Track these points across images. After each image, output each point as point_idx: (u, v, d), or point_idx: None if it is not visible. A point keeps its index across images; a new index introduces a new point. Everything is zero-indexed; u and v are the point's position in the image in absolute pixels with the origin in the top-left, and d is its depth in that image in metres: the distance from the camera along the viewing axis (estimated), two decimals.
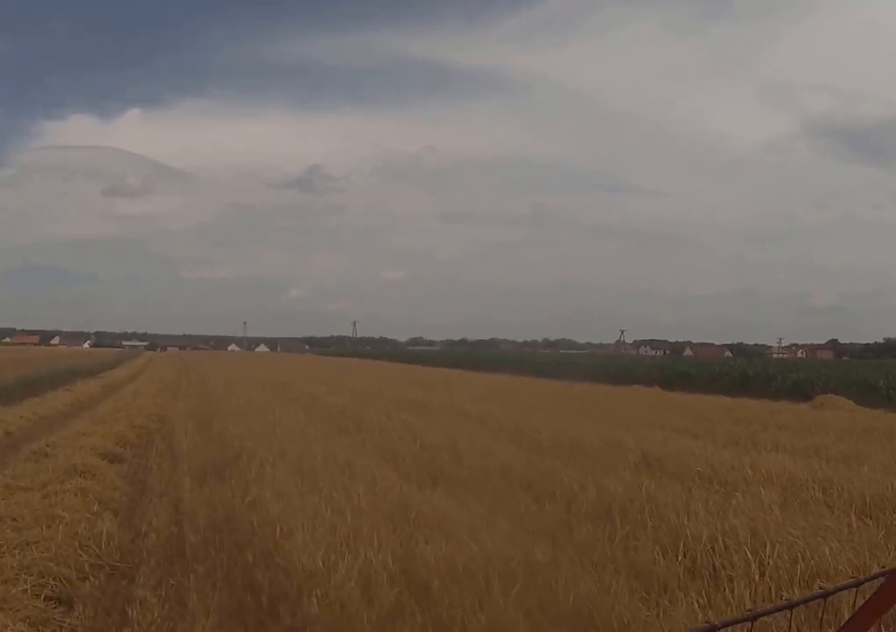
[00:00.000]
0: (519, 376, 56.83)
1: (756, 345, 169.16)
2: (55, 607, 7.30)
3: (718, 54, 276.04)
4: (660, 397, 34.26)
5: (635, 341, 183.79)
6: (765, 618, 2.33)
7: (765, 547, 7.81)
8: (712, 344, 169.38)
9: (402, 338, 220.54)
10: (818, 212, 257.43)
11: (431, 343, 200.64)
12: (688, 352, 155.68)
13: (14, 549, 8.36)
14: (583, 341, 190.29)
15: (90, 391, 34.90)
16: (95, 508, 10.46)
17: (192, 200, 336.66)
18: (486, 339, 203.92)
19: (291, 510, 8.46)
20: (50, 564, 7.98)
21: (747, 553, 7.71)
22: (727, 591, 6.95)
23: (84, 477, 12.91)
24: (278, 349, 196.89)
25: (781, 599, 6.32)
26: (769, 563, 7.48)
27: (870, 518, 9.49)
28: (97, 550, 8.87)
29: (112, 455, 16.89)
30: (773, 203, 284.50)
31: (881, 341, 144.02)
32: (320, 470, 11.62)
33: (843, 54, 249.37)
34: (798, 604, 2.28)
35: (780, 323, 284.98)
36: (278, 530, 7.71)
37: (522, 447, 15.09)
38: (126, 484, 13.77)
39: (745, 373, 47.04)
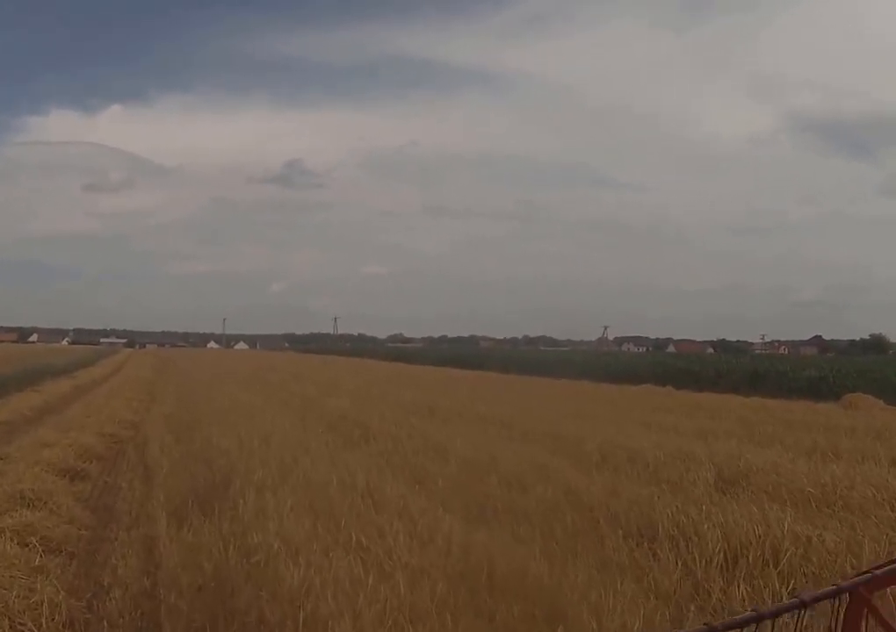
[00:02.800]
0: (513, 374, 54.35)
1: (738, 341, 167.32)
2: None
3: (704, 49, 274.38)
4: (680, 397, 31.78)
5: (616, 337, 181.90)
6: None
7: None
8: (694, 341, 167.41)
9: (381, 335, 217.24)
10: (802, 207, 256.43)
11: (411, 340, 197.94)
12: (671, 348, 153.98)
13: None
14: (563, 338, 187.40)
15: (60, 392, 32.24)
16: (37, 560, 7.72)
17: (174, 196, 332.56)
18: (465, 336, 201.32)
19: (316, 575, 5.77)
20: None
21: None
22: None
23: (33, 507, 10.19)
24: (258, 347, 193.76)
25: None
26: None
27: None
28: None
29: (73, 471, 14.22)
30: (758, 198, 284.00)
31: (867, 337, 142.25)
32: (336, 500, 8.96)
33: (827, 49, 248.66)
34: (812, 602, 2.14)
35: (761, 319, 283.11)
36: (301, 617, 5.04)
37: (573, 461, 12.47)
38: (86, 512, 11.04)
39: (755, 370, 44.83)
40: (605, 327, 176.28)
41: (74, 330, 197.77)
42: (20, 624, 6.28)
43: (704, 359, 54.41)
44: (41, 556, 7.91)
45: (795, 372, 41.86)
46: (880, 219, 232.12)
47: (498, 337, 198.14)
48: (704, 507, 8.37)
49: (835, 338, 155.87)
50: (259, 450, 13.13)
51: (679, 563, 6.96)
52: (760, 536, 7.11)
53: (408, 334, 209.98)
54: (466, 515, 8.69)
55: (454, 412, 20.72)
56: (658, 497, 9.11)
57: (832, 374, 40.56)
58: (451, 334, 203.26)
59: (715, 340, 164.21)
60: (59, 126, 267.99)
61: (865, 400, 30.66)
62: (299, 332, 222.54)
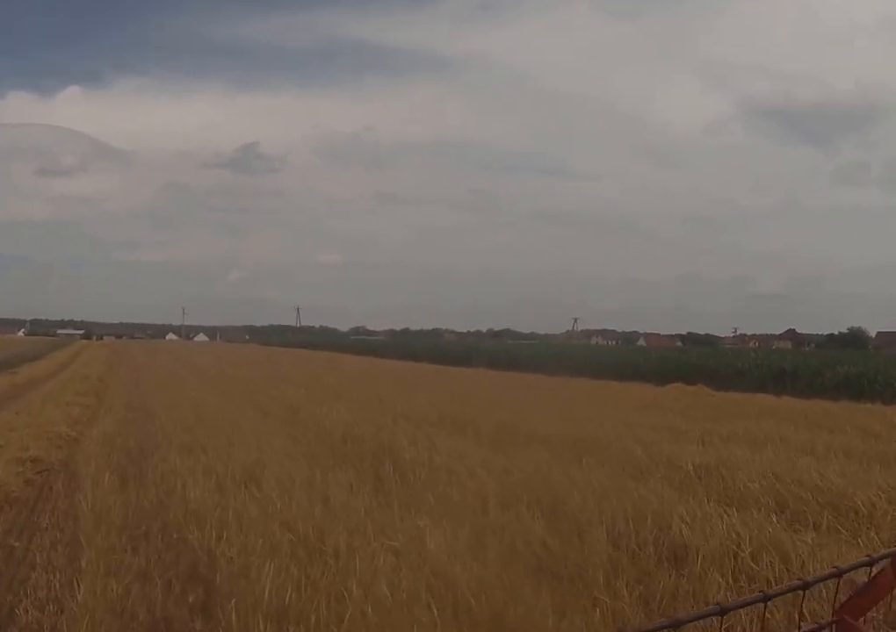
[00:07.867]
0: (504, 371, 49.57)
1: (707, 335, 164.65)
2: None
3: (658, 36, 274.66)
4: (735, 400, 27.21)
5: (583, 330, 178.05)
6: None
7: None
8: (661, 334, 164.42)
9: (343, 327, 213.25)
10: (760, 196, 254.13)
11: (374, 333, 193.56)
12: (641, 342, 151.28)
13: None
14: (528, 331, 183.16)
15: None
16: None
17: (129, 180, 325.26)
18: (428, 329, 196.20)
19: None
20: None
21: None
22: None
23: None
24: (218, 339, 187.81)
25: None
26: None
27: None
28: None
29: None
30: (715, 187, 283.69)
31: (845, 330, 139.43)
32: None
33: (780, 37, 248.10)
34: (812, 584, 2.02)
35: (726, 313, 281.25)
36: None
37: (774, 520, 7.61)
38: None
39: (780, 367, 40.71)
40: (575, 319, 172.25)
41: (31, 321, 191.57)
42: None
43: (719, 355, 50.06)
44: None
45: (832, 369, 37.82)
46: (839, 209, 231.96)
47: (462, 330, 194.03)
48: None
49: (807, 331, 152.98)
50: (250, 508, 8.18)
51: None
52: None
53: (370, 327, 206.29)
54: None
55: (495, 427, 15.71)
56: None
57: (870, 371, 36.58)
58: (413, 327, 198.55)
59: (684, 333, 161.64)
60: (16, 109, 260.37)
61: None
62: (259, 323, 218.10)
